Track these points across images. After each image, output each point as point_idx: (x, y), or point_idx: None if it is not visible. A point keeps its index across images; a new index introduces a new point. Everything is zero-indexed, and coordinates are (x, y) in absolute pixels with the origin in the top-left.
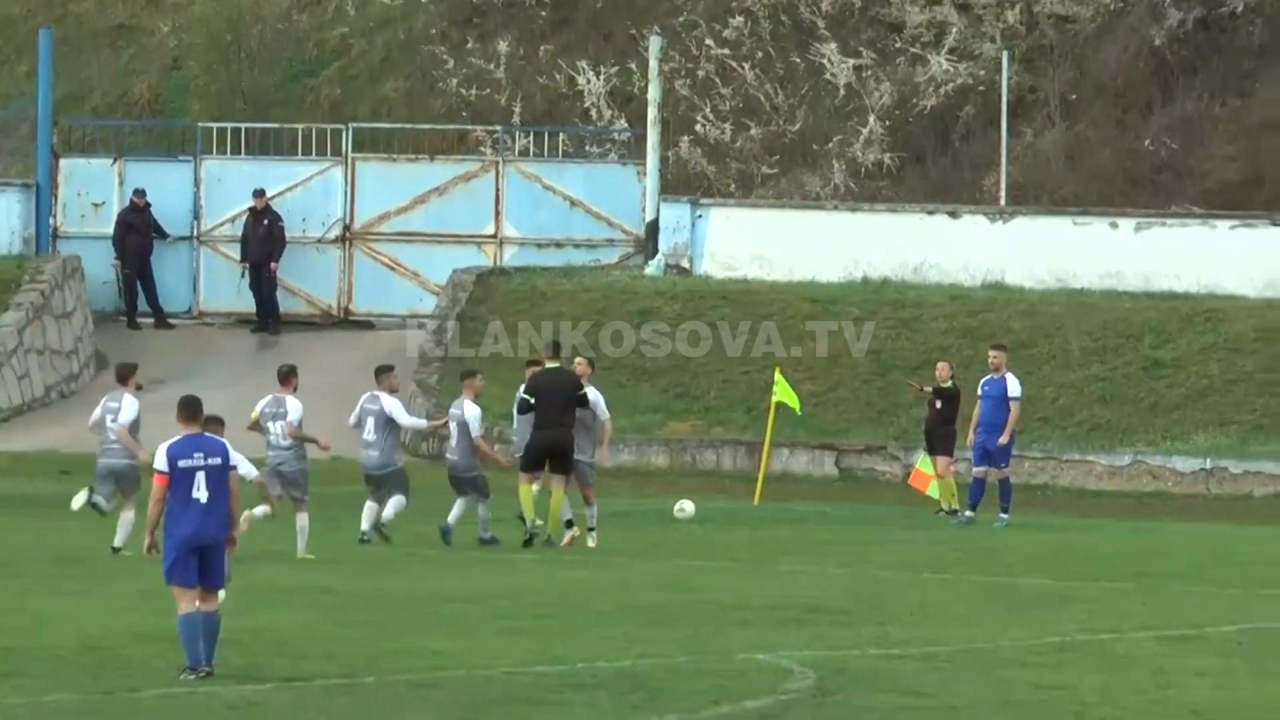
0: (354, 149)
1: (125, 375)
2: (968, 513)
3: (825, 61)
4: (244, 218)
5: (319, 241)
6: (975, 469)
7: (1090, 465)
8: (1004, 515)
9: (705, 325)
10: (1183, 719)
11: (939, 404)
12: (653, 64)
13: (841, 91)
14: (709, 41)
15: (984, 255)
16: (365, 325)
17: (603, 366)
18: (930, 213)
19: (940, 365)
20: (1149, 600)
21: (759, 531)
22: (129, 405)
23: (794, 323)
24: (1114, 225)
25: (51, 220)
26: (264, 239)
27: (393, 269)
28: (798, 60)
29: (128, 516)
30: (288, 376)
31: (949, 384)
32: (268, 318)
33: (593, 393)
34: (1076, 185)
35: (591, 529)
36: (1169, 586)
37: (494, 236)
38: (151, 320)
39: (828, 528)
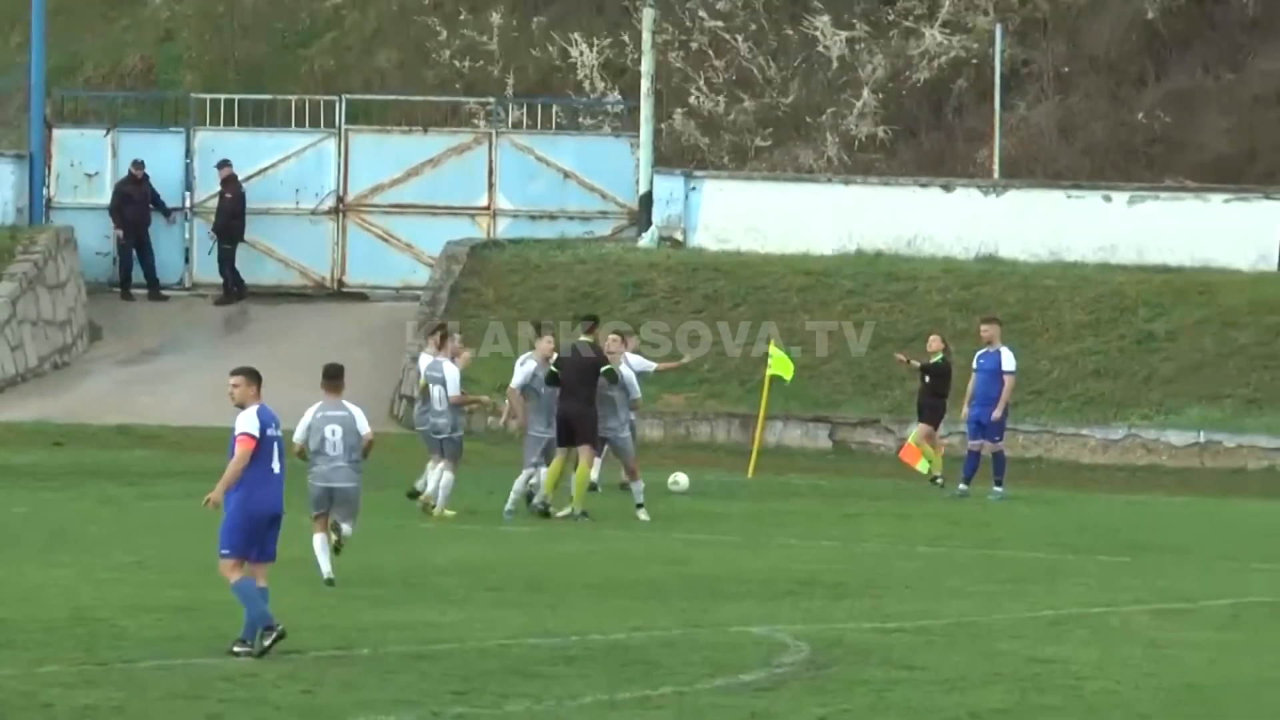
0: (347, 120)
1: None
2: (961, 485)
3: (819, 34)
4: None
5: (312, 213)
6: (970, 442)
7: (1084, 439)
8: (997, 488)
9: (698, 297)
10: (1178, 692)
11: (927, 378)
12: (646, 36)
13: (835, 64)
14: (702, 13)
15: (978, 228)
16: (359, 297)
17: None
18: (924, 185)
19: (932, 338)
20: (1143, 574)
21: (753, 504)
22: (452, 372)
23: (787, 295)
24: (1107, 198)
25: (45, 191)
26: (225, 211)
27: (386, 240)
28: (791, 32)
29: (448, 478)
30: (443, 339)
31: (939, 357)
32: (234, 287)
33: (625, 370)
34: (1070, 158)
35: (640, 505)
36: (1163, 560)
37: (487, 208)
38: (145, 291)
39: (822, 501)
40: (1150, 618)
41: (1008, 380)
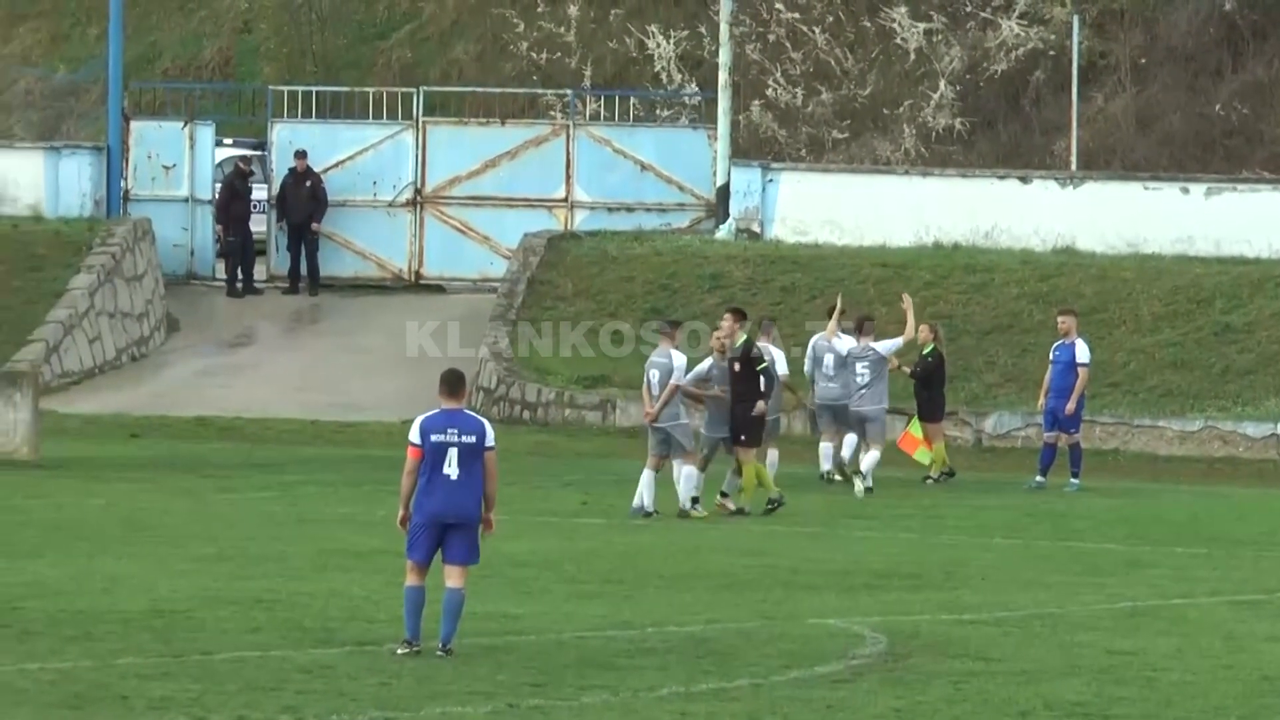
0: (425, 112)
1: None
2: (1038, 478)
3: (896, 25)
4: (284, 179)
5: (390, 205)
6: (1046, 434)
7: (1161, 430)
8: (1074, 480)
9: (775, 289)
10: (1253, 684)
11: (920, 371)
12: (723, 27)
13: (912, 56)
14: (779, 5)
15: (1055, 220)
16: (436, 289)
17: None
18: (1001, 178)
19: (921, 328)
20: (1220, 565)
21: (831, 496)
22: (679, 360)
23: (864, 287)
24: (1185, 190)
25: (122, 183)
26: (307, 200)
27: (464, 233)
28: (868, 24)
29: (689, 470)
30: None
31: (930, 348)
32: (314, 279)
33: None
34: (1147, 150)
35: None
36: (1240, 552)
37: (565, 200)
38: (222, 285)
39: (899, 493)
40: (1227, 610)
41: (1082, 373)
